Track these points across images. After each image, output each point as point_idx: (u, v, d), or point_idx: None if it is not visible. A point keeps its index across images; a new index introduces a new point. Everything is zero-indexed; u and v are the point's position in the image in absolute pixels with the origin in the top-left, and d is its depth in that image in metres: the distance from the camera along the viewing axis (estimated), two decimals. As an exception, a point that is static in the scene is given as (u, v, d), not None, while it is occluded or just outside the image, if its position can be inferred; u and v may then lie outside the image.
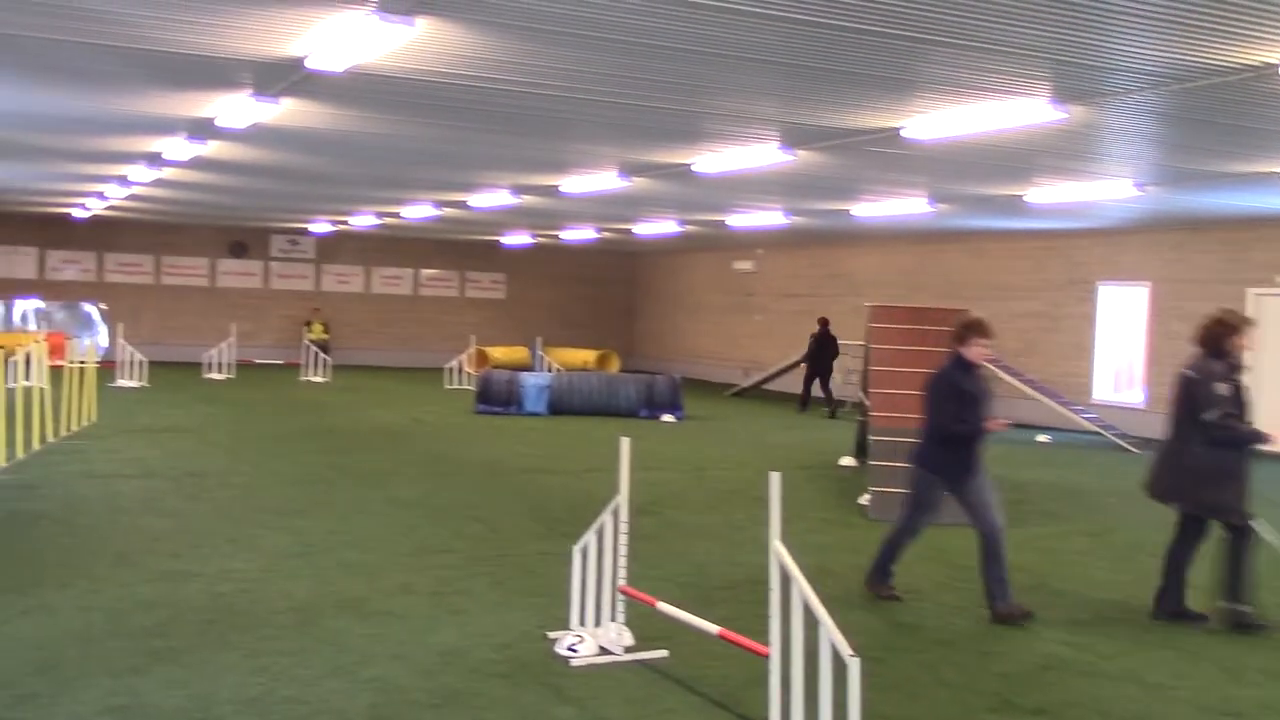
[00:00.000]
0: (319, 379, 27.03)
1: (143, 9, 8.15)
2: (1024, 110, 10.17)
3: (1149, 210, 17.80)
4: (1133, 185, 14.93)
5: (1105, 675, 6.66)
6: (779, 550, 5.19)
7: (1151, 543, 10.78)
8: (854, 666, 4.62)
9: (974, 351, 7.97)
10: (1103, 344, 21.95)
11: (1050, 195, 16.40)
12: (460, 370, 27.45)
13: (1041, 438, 20.05)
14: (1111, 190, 15.35)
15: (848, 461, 15.42)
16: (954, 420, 7.85)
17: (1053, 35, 7.80)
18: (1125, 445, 18.93)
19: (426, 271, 35.14)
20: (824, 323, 23.83)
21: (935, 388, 8.02)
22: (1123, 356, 21.67)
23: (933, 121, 11.03)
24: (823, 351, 23.57)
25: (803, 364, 24.06)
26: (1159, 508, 8.09)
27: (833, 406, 23.11)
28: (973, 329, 7.96)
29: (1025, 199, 16.89)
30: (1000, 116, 10.47)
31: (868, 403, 13.60)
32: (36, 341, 21.14)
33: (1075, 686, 6.42)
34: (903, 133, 11.58)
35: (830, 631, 4.77)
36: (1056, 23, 7.49)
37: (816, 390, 23.54)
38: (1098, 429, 19.74)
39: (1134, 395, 21.30)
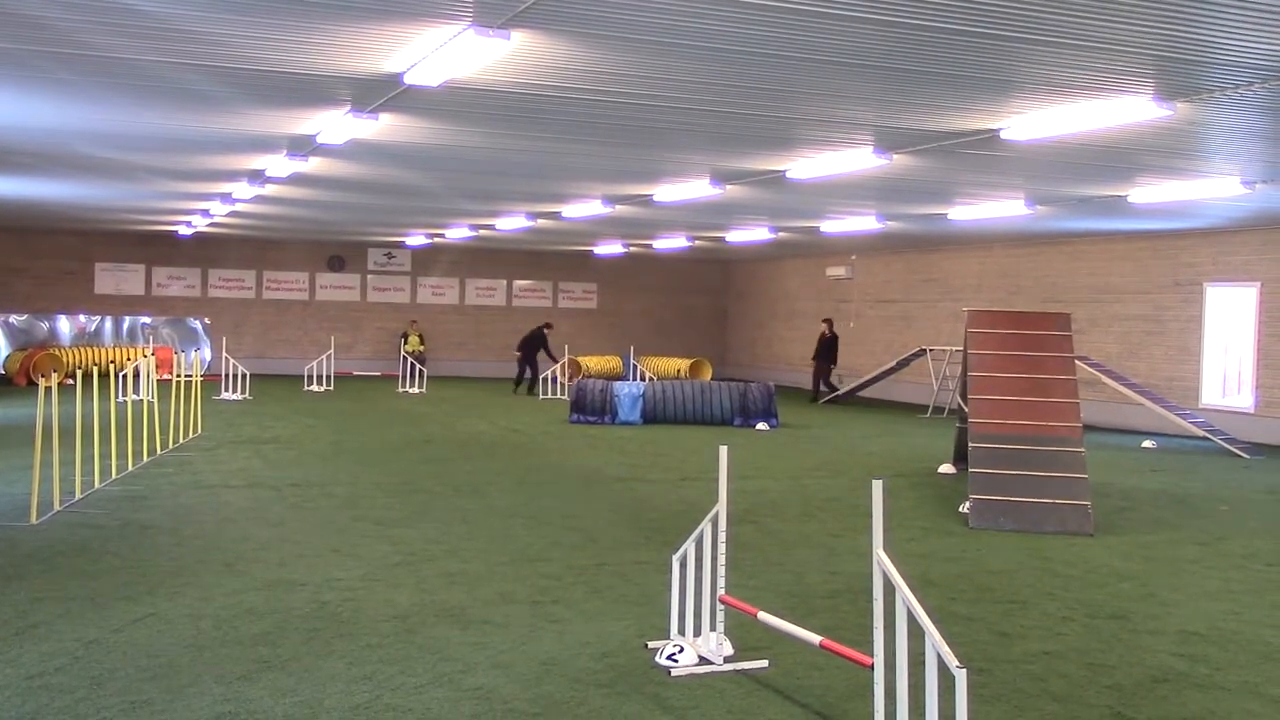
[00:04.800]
0: (415, 390, 27.40)
1: (245, 30, 8.34)
2: (1127, 108, 9.93)
3: (1258, 208, 17.29)
4: (1240, 183, 14.52)
5: (1222, 688, 6.45)
6: (883, 559, 5.11)
7: (1266, 551, 10.49)
8: (961, 678, 4.53)
9: None
10: (1211, 347, 21.33)
11: (1155, 195, 16.01)
12: (554, 380, 27.64)
13: (1147, 443, 19.56)
14: (1218, 188, 14.93)
15: (947, 469, 15.21)
16: None
17: (1156, 31, 7.61)
18: (1235, 450, 18.39)
19: (520, 283, 35.46)
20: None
21: None
22: (1231, 359, 21.05)
23: (1032, 122, 10.84)
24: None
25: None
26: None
27: None
28: None
29: (1129, 199, 16.51)
30: (1103, 115, 10.24)
31: (966, 408, 13.39)
32: (145, 356, 21.77)
33: (1191, 700, 6.23)
34: (1001, 134, 11.39)
35: (936, 641, 4.68)
36: (1159, 18, 7.30)
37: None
38: (1206, 434, 19.20)
39: (1243, 399, 20.68)
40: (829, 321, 28.08)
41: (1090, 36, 7.80)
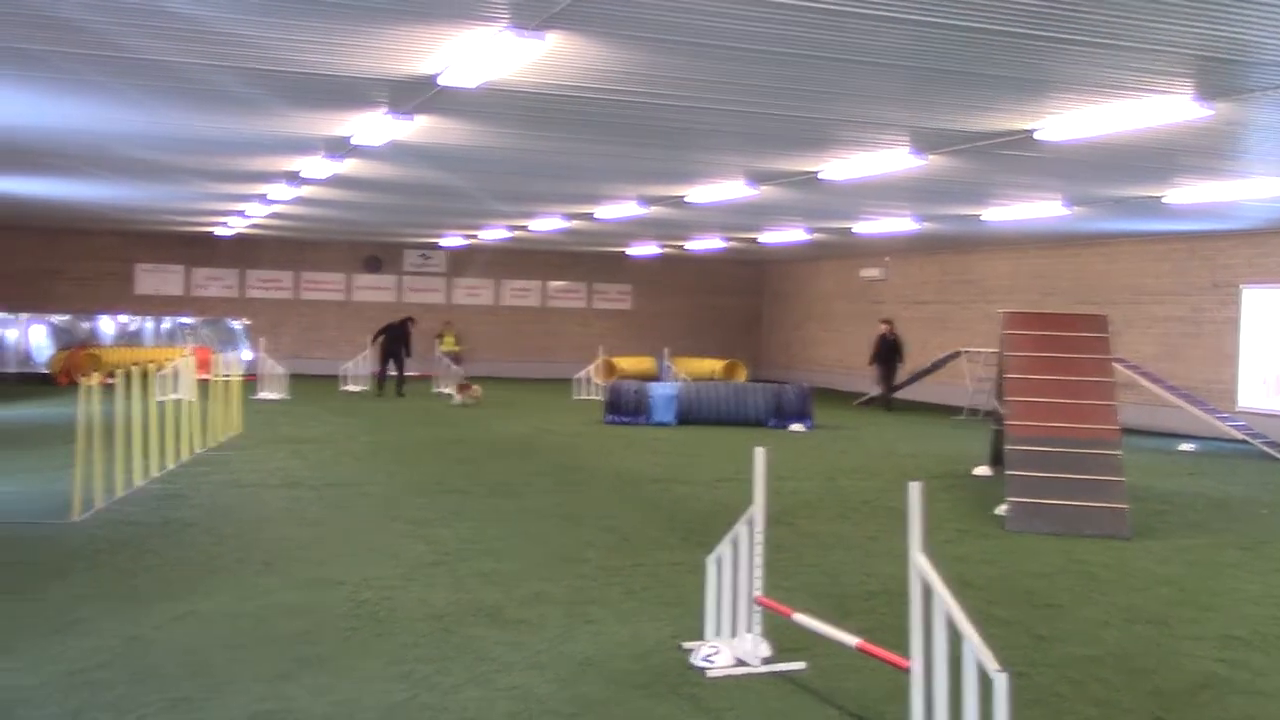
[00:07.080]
0: (450, 390, 27.46)
1: (282, 32, 8.41)
2: (1166, 108, 9.85)
3: (1299, 209, 17.10)
4: (1281, 183, 14.37)
5: (1264, 694, 6.38)
6: (920, 562, 5.09)
7: (1309, 556, 10.37)
8: (1001, 681, 4.51)
9: None
10: (1249, 349, 21.09)
11: (1193, 195, 15.86)
12: (588, 381, 27.66)
13: (1185, 446, 19.37)
14: (1257, 189, 14.77)
15: (982, 471, 15.11)
16: None
17: (1196, 31, 7.55)
18: (1274, 454, 18.18)
19: (554, 284, 35.54)
20: None
21: None
22: (1270, 362, 20.80)
23: (1069, 122, 10.76)
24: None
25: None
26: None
27: None
28: None
29: (1165, 200, 16.36)
30: (1141, 115, 10.16)
31: (1003, 410, 13.30)
32: (184, 356, 21.95)
33: (1234, 706, 6.16)
34: (1037, 135, 11.32)
35: (975, 645, 4.66)
36: (1200, 17, 7.25)
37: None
38: (1245, 437, 19.00)
39: (1284, 402, 20.45)
40: (889, 323, 27.12)
41: (1129, 36, 7.75)
